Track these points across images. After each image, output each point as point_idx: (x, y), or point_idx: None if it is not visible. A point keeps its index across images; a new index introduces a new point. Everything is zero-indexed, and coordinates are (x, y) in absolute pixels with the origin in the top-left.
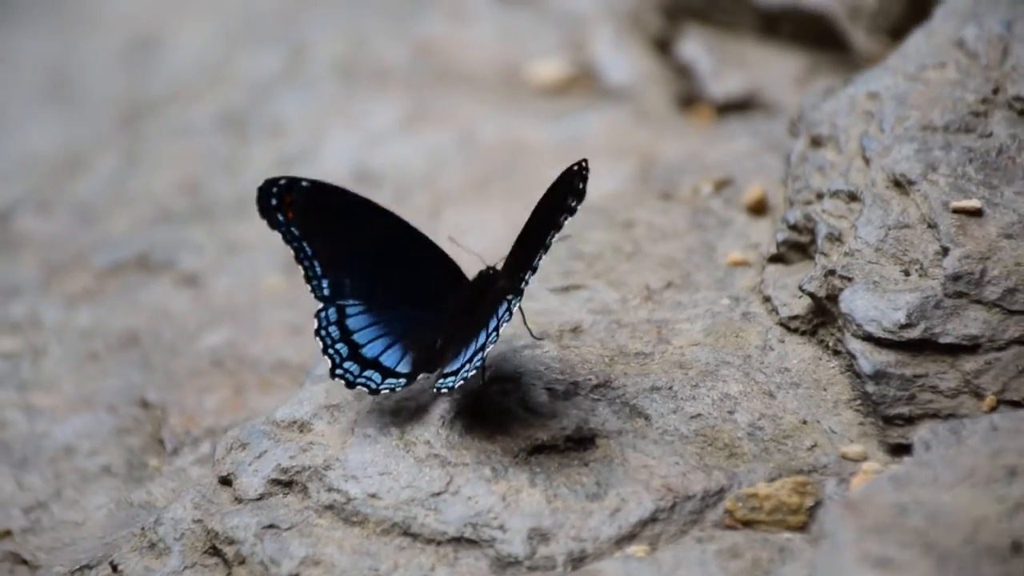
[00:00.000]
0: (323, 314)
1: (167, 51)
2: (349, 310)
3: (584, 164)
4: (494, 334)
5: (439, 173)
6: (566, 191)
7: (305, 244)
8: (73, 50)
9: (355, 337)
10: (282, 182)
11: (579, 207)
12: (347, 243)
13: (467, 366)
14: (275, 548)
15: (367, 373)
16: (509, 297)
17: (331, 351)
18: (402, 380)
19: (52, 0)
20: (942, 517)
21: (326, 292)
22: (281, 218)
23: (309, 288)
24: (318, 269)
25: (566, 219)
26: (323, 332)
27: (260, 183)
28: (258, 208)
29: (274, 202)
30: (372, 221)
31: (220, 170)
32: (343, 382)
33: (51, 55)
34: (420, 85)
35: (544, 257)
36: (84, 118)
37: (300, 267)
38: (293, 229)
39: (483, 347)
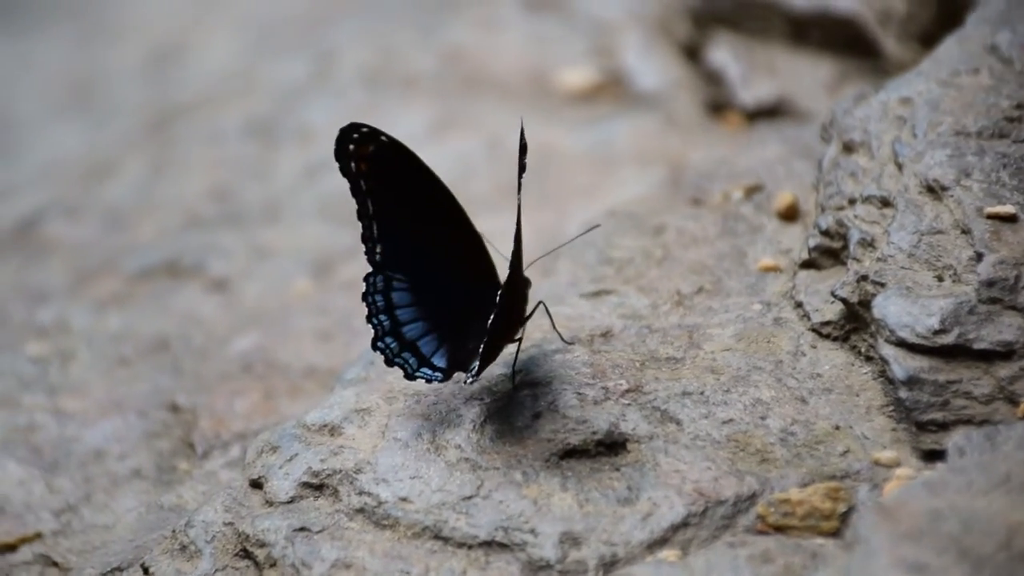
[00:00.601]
0: (372, 279)
1: (192, 60)
2: (395, 283)
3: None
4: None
5: (467, 180)
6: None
7: (369, 201)
8: (97, 59)
9: (397, 313)
10: (364, 129)
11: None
12: (407, 213)
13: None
14: (306, 551)
15: (404, 354)
16: (499, 292)
17: (375, 320)
18: (438, 375)
19: (75, 9)
20: (977, 523)
21: (378, 257)
22: (353, 167)
23: (364, 248)
24: (375, 231)
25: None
26: (370, 298)
27: (344, 124)
28: (335, 150)
29: (351, 147)
30: (435, 199)
31: (248, 176)
32: (383, 357)
33: (75, 63)
34: (448, 92)
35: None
36: (110, 125)
37: (360, 223)
38: (362, 182)
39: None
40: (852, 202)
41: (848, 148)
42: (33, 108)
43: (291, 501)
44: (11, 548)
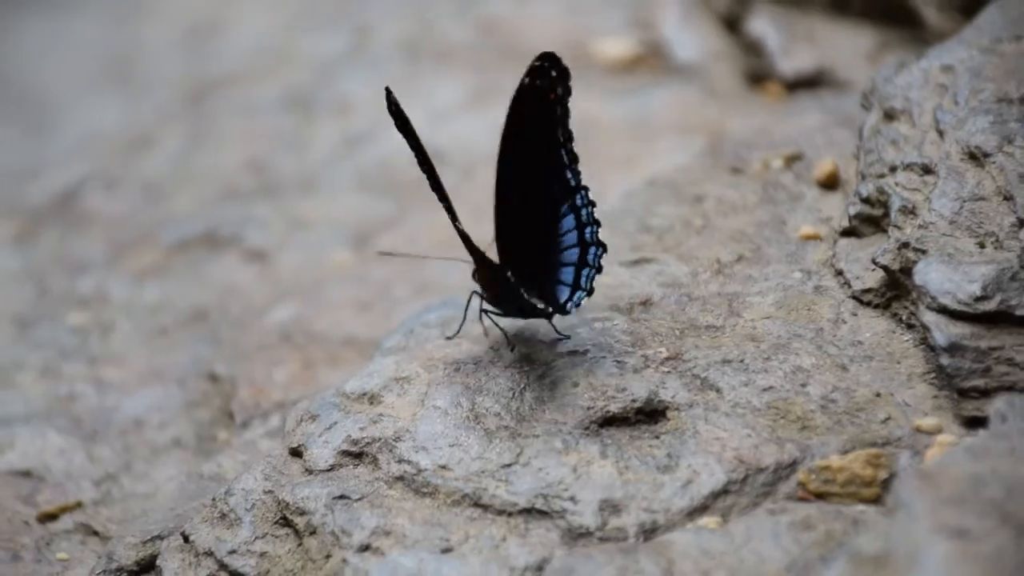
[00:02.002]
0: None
1: (227, 35)
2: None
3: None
4: None
5: None
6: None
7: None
8: (132, 34)
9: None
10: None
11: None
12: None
13: None
14: (346, 518)
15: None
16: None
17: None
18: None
19: None
20: (1019, 488)
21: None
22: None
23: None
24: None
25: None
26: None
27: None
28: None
29: (554, 73)
30: None
31: (285, 148)
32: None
33: (110, 39)
34: (485, 64)
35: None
36: (147, 99)
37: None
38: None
39: None
40: (893, 169)
41: (889, 116)
42: (70, 83)
43: (330, 469)
44: (52, 517)
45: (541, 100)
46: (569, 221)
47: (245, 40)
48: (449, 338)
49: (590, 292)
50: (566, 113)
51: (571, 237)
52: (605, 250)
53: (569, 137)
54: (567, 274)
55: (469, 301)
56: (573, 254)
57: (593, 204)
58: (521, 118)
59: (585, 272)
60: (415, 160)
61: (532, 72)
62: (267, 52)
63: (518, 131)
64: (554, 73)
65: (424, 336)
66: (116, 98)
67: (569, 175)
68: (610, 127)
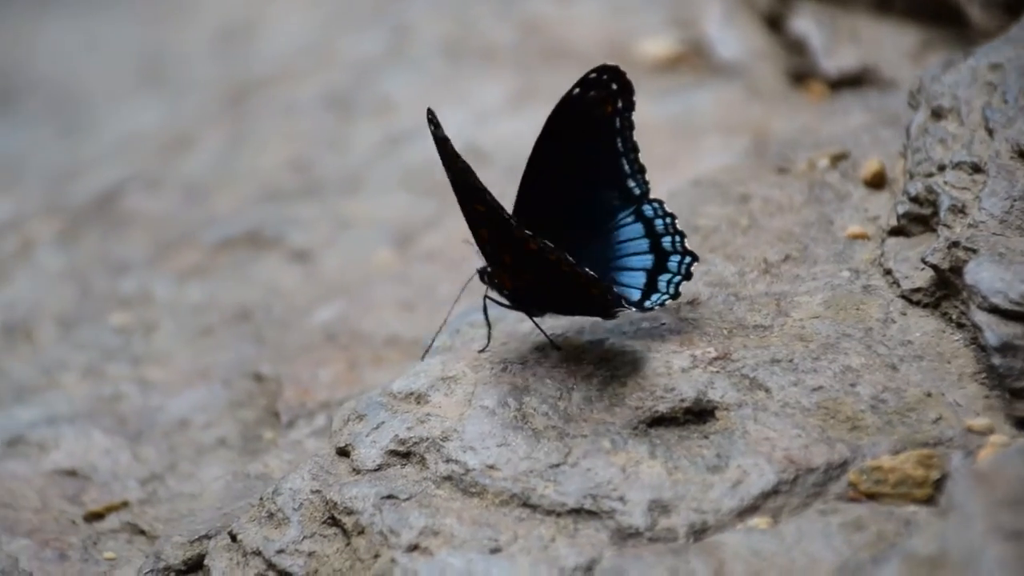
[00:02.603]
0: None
1: (263, 36)
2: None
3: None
4: None
5: None
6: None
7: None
8: (167, 36)
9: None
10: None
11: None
12: None
13: None
14: (394, 518)
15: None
16: None
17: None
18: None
19: None
20: None
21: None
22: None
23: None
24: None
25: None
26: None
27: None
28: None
29: (615, 86)
30: None
31: (327, 148)
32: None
33: (145, 41)
34: (527, 63)
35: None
36: (186, 100)
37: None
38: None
39: None
40: (942, 168)
41: (937, 114)
42: (107, 84)
43: (378, 469)
44: (99, 516)
45: (595, 110)
46: (633, 229)
47: (282, 40)
48: (481, 351)
49: (674, 296)
50: (629, 125)
51: (638, 244)
52: (695, 259)
53: (633, 147)
54: (633, 278)
55: (487, 309)
56: (641, 260)
57: (672, 216)
58: (571, 126)
59: (665, 278)
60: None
61: (586, 84)
62: (306, 52)
63: (564, 140)
64: (615, 86)
65: (470, 336)
66: (154, 98)
67: (633, 184)
68: (653, 127)
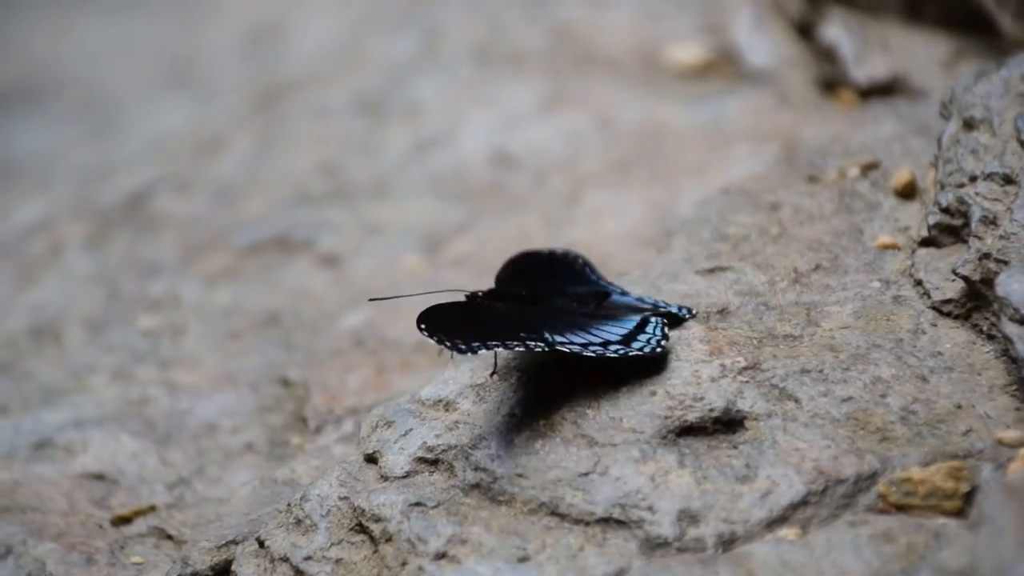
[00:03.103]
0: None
1: (291, 38)
2: None
3: None
4: None
5: (578, 156)
6: None
7: None
8: (195, 37)
9: None
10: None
11: None
12: None
13: None
14: (422, 526)
15: None
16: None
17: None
18: None
19: None
20: None
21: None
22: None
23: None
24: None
25: None
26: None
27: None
28: None
29: None
30: None
31: (357, 152)
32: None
33: (174, 42)
34: (557, 69)
35: None
36: (215, 102)
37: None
38: None
39: None
40: (973, 179)
41: (968, 125)
42: (136, 85)
43: (406, 476)
44: (126, 520)
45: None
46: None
47: (310, 43)
48: (492, 374)
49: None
50: None
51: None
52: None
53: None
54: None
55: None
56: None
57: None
58: None
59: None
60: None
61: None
62: (335, 55)
63: None
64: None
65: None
66: (182, 100)
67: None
68: (682, 134)
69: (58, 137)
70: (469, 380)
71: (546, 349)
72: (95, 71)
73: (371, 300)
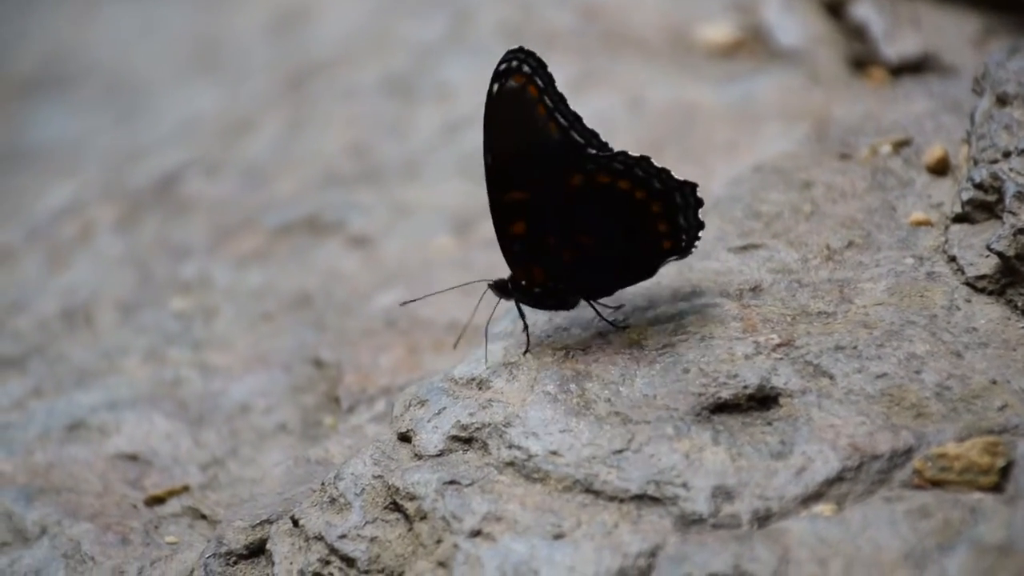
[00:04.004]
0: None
1: (318, 20)
2: None
3: None
4: None
5: (608, 136)
6: None
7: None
8: (222, 21)
9: None
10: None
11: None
12: None
13: None
14: (457, 504)
15: None
16: None
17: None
18: None
19: None
20: None
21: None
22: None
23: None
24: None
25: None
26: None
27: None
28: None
29: (522, 65)
30: None
31: (386, 134)
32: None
33: (200, 26)
34: (587, 49)
35: None
36: (244, 84)
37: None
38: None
39: None
40: (1007, 155)
41: (1002, 101)
42: (163, 69)
43: (440, 454)
44: (160, 500)
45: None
46: None
47: (338, 25)
48: (525, 352)
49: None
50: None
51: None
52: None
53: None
54: None
55: (522, 313)
56: None
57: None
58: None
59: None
60: None
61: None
62: (363, 37)
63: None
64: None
65: (531, 321)
66: (211, 83)
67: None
68: (713, 113)
69: (86, 122)
70: (502, 358)
71: None
72: (122, 56)
73: (402, 304)
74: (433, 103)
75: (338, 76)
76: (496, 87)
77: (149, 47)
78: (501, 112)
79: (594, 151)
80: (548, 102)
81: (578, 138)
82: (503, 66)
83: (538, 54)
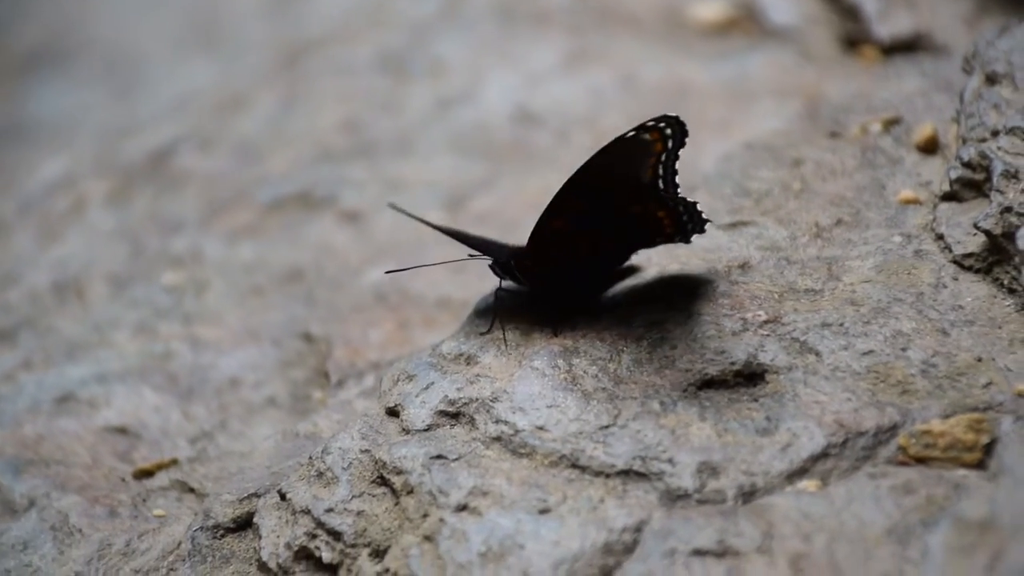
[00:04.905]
0: None
1: None
2: None
3: None
4: None
5: (601, 113)
6: None
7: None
8: None
9: None
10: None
11: None
12: None
13: None
14: (443, 478)
15: None
16: None
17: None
18: None
19: None
20: None
21: None
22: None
23: None
24: None
25: None
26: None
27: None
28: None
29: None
30: None
31: (380, 110)
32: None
33: (198, 3)
34: (581, 26)
35: None
36: (239, 61)
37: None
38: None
39: None
40: (995, 134)
41: (991, 79)
42: (158, 45)
43: (428, 429)
44: (148, 474)
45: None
46: None
47: (334, 2)
48: (483, 333)
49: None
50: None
51: None
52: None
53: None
54: None
55: (499, 301)
56: None
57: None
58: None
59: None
60: None
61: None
62: (358, 14)
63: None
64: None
65: (519, 303)
66: (206, 59)
67: None
68: (705, 91)
69: (82, 98)
70: (490, 334)
71: None
72: (119, 33)
73: (388, 272)
74: (426, 79)
75: (332, 53)
76: (633, 133)
77: (147, 24)
78: (624, 147)
79: (664, 194)
80: (663, 157)
81: (663, 186)
82: (651, 123)
83: (686, 124)
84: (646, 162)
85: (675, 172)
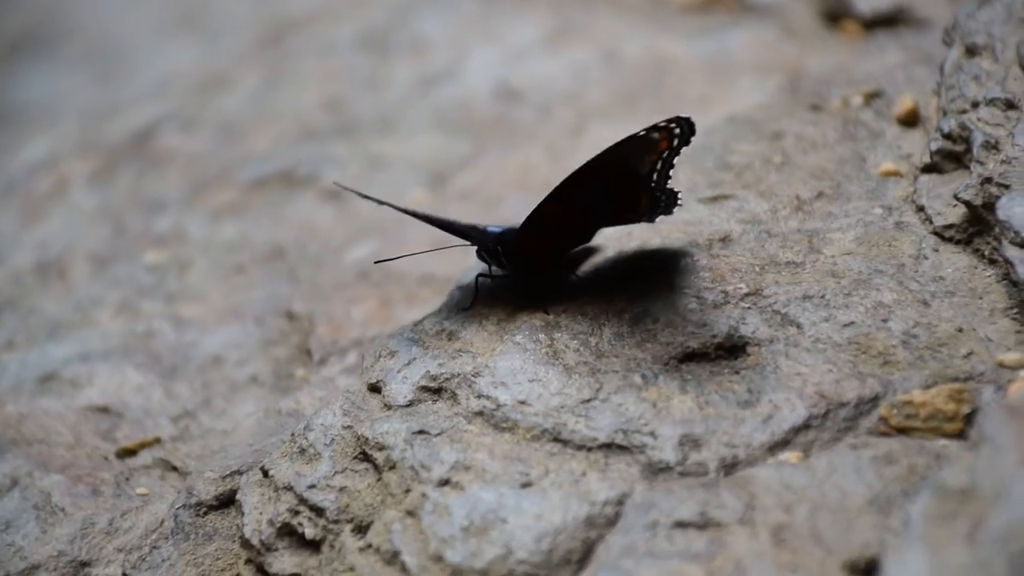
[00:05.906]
0: None
1: None
2: None
3: None
4: None
5: (583, 89)
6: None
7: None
8: None
9: None
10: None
11: None
12: None
13: None
14: (425, 453)
15: None
16: None
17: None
18: None
19: None
20: None
21: None
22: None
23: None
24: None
25: None
26: None
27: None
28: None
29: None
30: None
31: (361, 88)
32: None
33: None
34: (562, 3)
35: None
36: (222, 41)
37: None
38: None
39: None
40: (975, 105)
41: (971, 51)
42: (142, 28)
43: (409, 405)
44: (131, 452)
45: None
46: None
47: None
48: (465, 310)
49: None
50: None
51: None
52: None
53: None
54: None
55: (478, 285)
56: None
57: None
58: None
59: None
60: None
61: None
62: None
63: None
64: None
65: (499, 283)
66: (189, 40)
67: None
68: (687, 66)
69: (66, 82)
70: (472, 310)
71: None
72: (103, 17)
73: (376, 263)
74: (408, 57)
75: (314, 31)
76: (644, 132)
77: (130, 9)
78: (635, 145)
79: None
80: (664, 155)
81: (656, 178)
82: (663, 123)
83: (695, 124)
84: (648, 158)
85: (672, 167)
